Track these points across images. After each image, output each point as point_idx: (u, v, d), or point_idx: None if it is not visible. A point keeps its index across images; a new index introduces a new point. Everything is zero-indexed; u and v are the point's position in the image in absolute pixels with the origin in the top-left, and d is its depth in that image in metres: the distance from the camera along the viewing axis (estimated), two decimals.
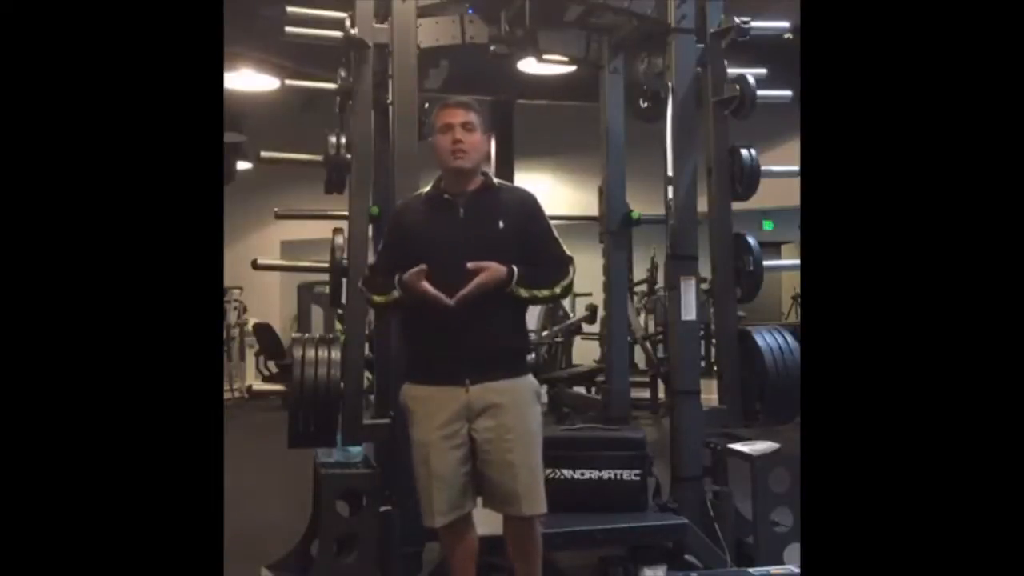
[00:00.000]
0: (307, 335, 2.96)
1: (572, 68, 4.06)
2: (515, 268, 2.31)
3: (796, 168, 2.91)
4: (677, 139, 3.24)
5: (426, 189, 2.48)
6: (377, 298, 2.44)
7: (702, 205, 3.30)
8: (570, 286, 2.46)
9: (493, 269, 2.27)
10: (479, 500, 2.39)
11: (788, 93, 3.35)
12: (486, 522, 2.46)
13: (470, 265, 2.25)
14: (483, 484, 2.34)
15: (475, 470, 2.34)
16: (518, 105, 4.37)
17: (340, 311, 3.48)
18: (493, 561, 2.56)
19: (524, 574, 2.38)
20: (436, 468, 2.29)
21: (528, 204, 2.47)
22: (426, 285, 2.25)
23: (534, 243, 2.42)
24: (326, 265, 3.08)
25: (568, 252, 2.45)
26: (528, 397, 2.39)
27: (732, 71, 3.33)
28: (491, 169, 4.12)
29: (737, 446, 3.17)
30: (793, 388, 3.09)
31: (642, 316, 8.49)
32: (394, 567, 2.79)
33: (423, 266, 2.25)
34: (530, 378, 2.43)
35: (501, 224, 2.38)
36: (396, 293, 2.34)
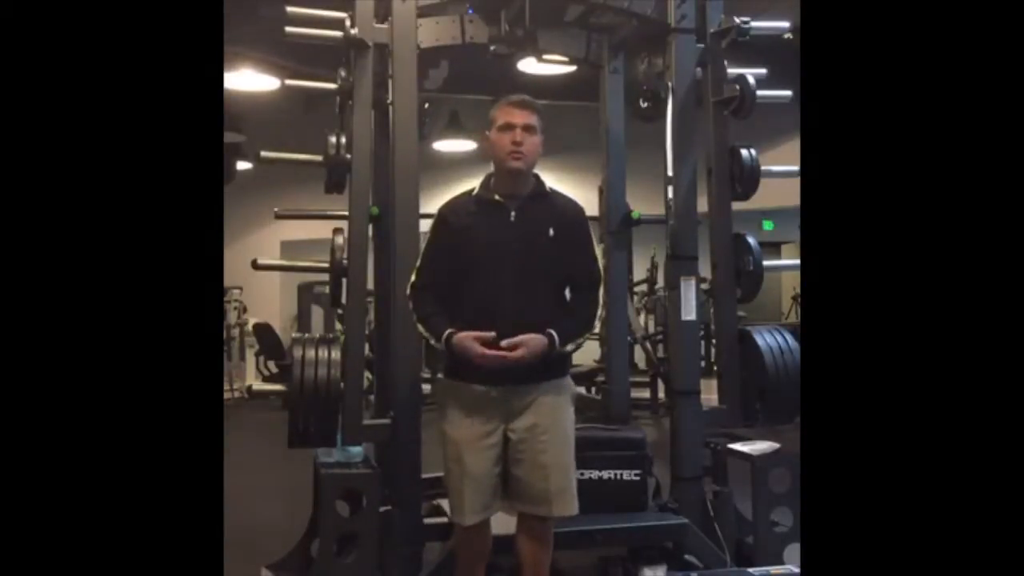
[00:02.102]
0: (307, 335, 2.96)
1: (572, 68, 4.06)
2: (554, 334, 2.25)
3: (796, 168, 2.91)
4: (677, 139, 3.24)
5: (475, 189, 2.43)
6: (422, 329, 2.37)
7: (702, 205, 3.30)
8: (600, 313, 2.42)
9: (534, 343, 2.22)
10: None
11: (788, 93, 3.34)
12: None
13: (507, 343, 2.19)
14: (512, 484, 2.32)
15: (504, 470, 2.32)
16: None
17: (340, 311, 3.48)
18: (494, 561, 2.56)
19: (532, 572, 2.38)
20: (469, 467, 2.28)
21: (577, 217, 2.44)
22: (481, 350, 2.19)
23: (576, 260, 2.40)
24: (326, 265, 3.08)
25: (601, 272, 2.44)
26: (566, 398, 2.39)
27: (732, 71, 3.33)
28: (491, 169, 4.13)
29: (737, 446, 3.17)
30: (793, 388, 3.09)
31: (642, 316, 8.49)
32: (394, 567, 2.79)
33: (477, 333, 2.20)
34: (568, 380, 2.43)
35: (552, 232, 2.35)
36: (440, 346, 2.28)
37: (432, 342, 2.34)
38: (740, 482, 3.14)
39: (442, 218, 2.44)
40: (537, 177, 2.43)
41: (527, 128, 2.34)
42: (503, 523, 2.40)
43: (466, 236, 2.35)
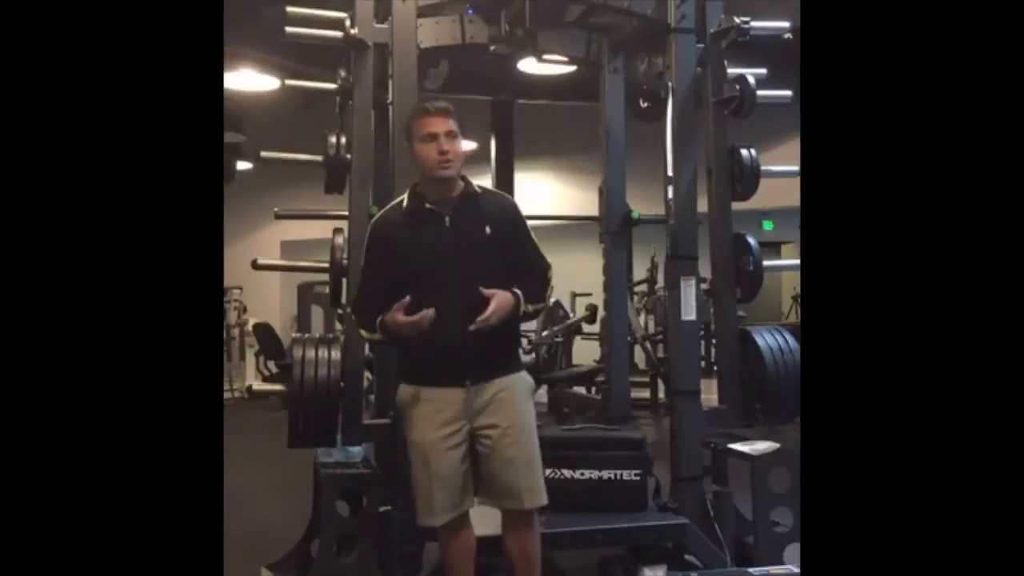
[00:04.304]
0: (307, 335, 2.96)
1: (572, 68, 4.06)
2: (518, 292, 2.34)
3: (796, 168, 2.92)
4: (677, 139, 3.24)
5: (404, 200, 2.45)
6: (365, 333, 2.45)
7: (702, 205, 3.30)
8: (550, 292, 2.52)
9: (503, 298, 2.29)
10: (475, 499, 2.40)
11: (788, 93, 3.35)
12: (485, 522, 2.46)
13: (485, 292, 2.26)
14: (483, 480, 2.36)
15: (472, 468, 2.36)
16: (518, 105, 4.37)
17: (340, 311, 3.49)
18: (493, 561, 2.56)
19: (524, 570, 2.38)
20: (436, 468, 2.30)
21: (511, 211, 2.49)
22: (402, 318, 2.25)
23: (519, 253, 2.45)
24: (326, 265, 3.08)
25: (547, 258, 2.50)
26: (525, 392, 2.43)
27: (732, 71, 3.33)
28: (491, 169, 4.14)
29: (737, 446, 3.16)
30: (793, 388, 3.09)
31: (642, 316, 8.49)
32: (394, 567, 2.79)
33: (404, 300, 2.25)
34: (525, 374, 2.47)
35: (488, 230, 2.38)
36: (378, 336, 2.35)
37: (374, 336, 2.40)
38: (740, 482, 3.14)
39: (377, 233, 2.46)
40: (465, 178, 2.44)
41: (449, 135, 2.34)
42: (498, 523, 2.41)
43: (404, 248, 2.38)
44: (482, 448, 2.33)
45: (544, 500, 2.36)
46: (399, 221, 2.43)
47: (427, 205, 2.39)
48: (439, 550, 2.48)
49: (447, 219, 2.37)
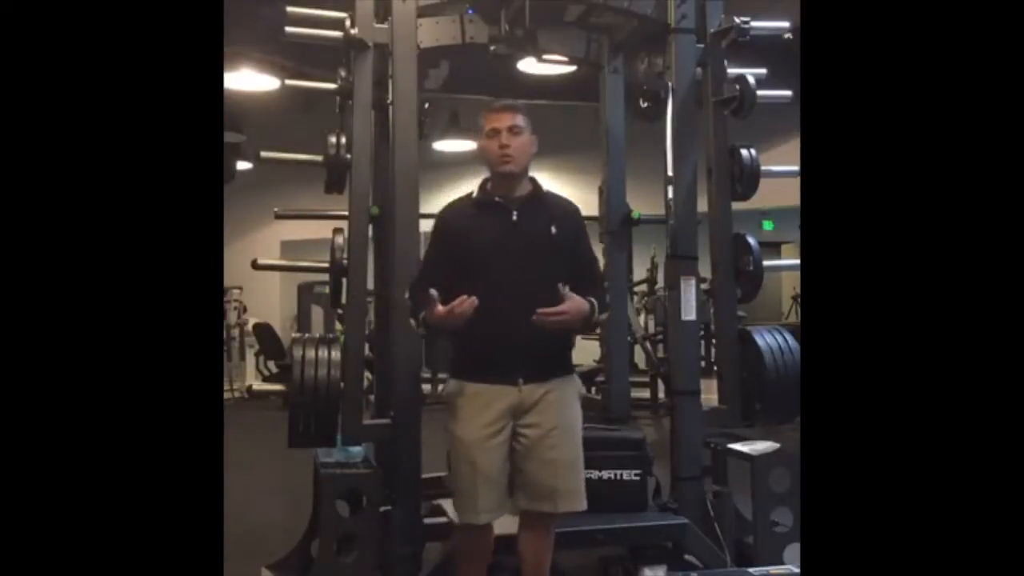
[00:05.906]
0: (307, 335, 2.96)
1: (572, 68, 4.06)
2: (593, 301, 2.31)
3: (796, 168, 2.92)
4: (677, 139, 3.24)
5: (473, 192, 2.45)
6: (412, 323, 2.42)
7: (702, 205, 3.30)
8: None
9: (579, 303, 2.25)
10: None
11: (788, 93, 3.34)
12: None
13: (563, 291, 2.21)
14: (519, 480, 2.33)
15: (512, 468, 2.33)
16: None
17: (340, 311, 3.49)
18: (497, 561, 2.56)
19: (534, 571, 2.38)
20: (483, 466, 2.28)
21: (574, 216, 2.49)
22: (440, 308, 2.17)
23: (582, 259, 2.45)
24: (326, 265, 3.08)
25: (600, 271, 2.58)
26: (573, 395, 2.42)
27: (732, 71, 3.33)
28: None
29: (737, 446, 3.16)
30: (793, 388, 3.09)
31: (642, 316, 8.49)
32: (394, 567, 2.79)
33: (435, 296, 2.18)
34: (575, 377, 2.46)
35: (553, 230, 2.38)
36: (422, 330, 2.33)
37: (419, 330, 2.37)
38: (740, 482, 3.14)
39: (443, 222, 2.46)
40: (533, 180, 2.45)
41: (512, 130, 2.36)
42: (505, 522, 2.40)
43: (469, 237, 2.37)
44: (518, 446, 2.31)
45: (583, 504, 2.35)
46: (467, 213, 2.43)
47: (496, 198, 2.39)
48: (459, 547, 2.46)
49: (515, 213, 2.37)
